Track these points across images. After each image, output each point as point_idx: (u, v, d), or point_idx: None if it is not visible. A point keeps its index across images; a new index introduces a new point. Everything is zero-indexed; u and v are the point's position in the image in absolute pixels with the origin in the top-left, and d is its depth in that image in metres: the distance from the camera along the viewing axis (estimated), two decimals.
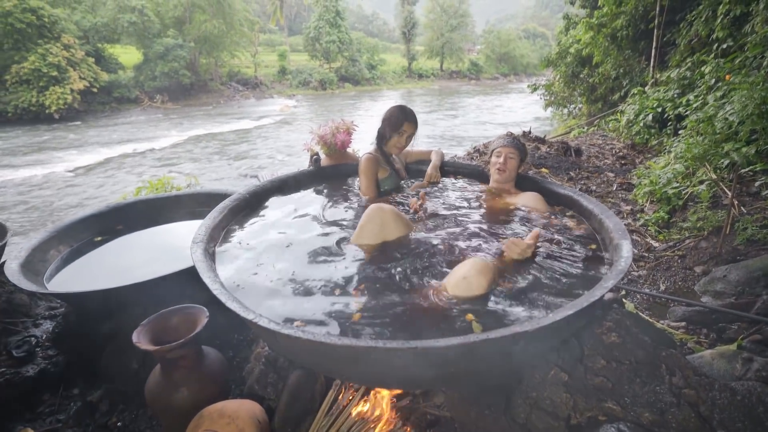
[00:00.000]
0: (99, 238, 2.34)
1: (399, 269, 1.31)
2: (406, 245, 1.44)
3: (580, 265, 1.36)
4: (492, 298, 1.19)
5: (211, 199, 2.43)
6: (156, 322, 1.37)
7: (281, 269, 1.30)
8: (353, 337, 0.80)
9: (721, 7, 6.11)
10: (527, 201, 1.84)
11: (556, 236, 1.53)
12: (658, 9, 8.80)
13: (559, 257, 1.40)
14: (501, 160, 1.91)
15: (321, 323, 1.04)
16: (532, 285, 1.26)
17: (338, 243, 1.48)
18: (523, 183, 2.00)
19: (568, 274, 1.30)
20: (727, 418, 1.10)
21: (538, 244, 1.46)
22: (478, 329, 1.00)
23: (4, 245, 2.20)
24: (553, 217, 1.72)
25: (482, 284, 1.18)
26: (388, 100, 31.02)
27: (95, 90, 22.75)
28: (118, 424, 1.61)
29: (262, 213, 1.74)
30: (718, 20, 6.18)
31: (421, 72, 43.81)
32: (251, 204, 1.78)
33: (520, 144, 1.95)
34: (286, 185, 1.99)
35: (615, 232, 1.30)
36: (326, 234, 1.55)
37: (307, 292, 1.18)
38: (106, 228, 2.41)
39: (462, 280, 1.20)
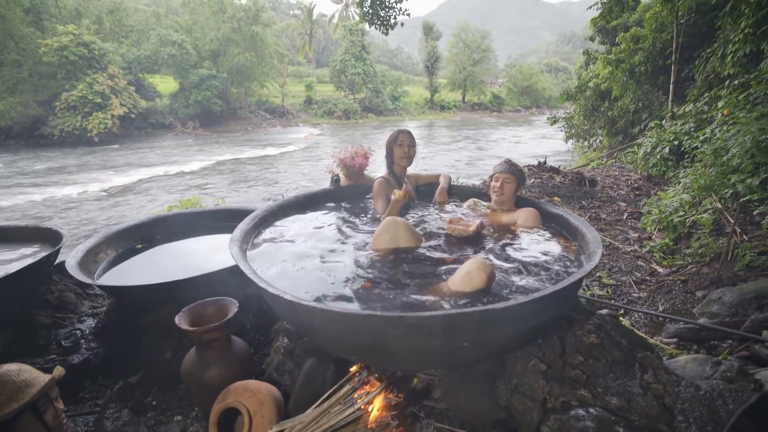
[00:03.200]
0: (140, 246, 2.64)
1: (408, 270, 1.51)
2: (416, 254, 1.64)
3: (565, 270, 1.54)
4: (491, 293, 1.39)
5: (237, 216, 2.71)
6: (194, 310, 1.61)
7: (303, 266, 1.53)
8: (358, 308, 1.01)
9: (731, 46, 6.29)
10: (522, 216, 2.03)
11: (544, 248, 1.72)
12: (675, 46, 9.00)
13: (545, 263, 1.58)
14: (498, 184, 2.11)
15: (337, 304, 1.27)
16: (522, 285, 1.44)
17: (355, 246, 1.70)
18: (521, 203, 2.20)
19: (554, 275, 1.49)
20: (687, 408, 1.23)
21: (532, 253, 1.66)
22: None
23: (59, 249, 2.52)
24: (543, 231, 1.91)
25: (482, 278, 1.38)
26: (414, 129, 31.71)
27: (133, 116, 24.37)
28: (153, 402, 1.84)
29: (288, 223, 2.00)
30: (729, 57, 6.34)
31: (443, 104, 44.88)
32: (278, 215, 2.05)
33: (516, 170, 2.13)
34: (310, 201, 2.27)
35: (592, 243, 1.48)
36: (344, 241, 1.78)
37: (325, 282, 1.40)
38: (146, 237, 2.72)
39: (465, 275, 1.40)
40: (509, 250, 1.70)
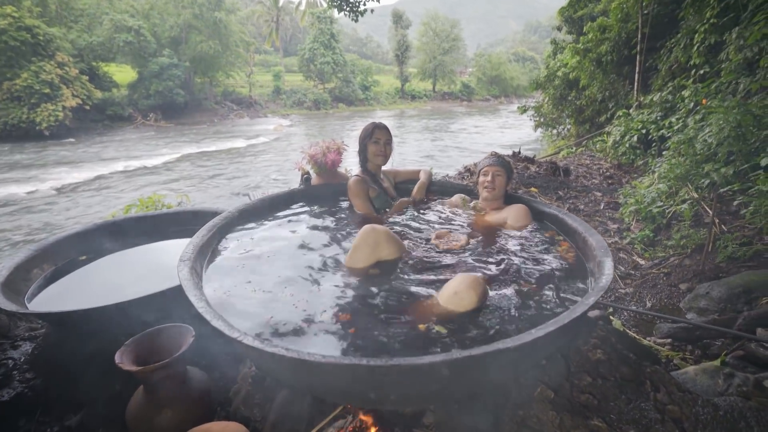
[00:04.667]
0: (84, 257, 2.31)
1: (391, 290, 1.31)
2: (399, 266, 1.44)
3: (565, 281, 1.38)
4: (483, 313, 1.21)
5: (199, 218, 2.42)
6: (140, 342, 1.35)
7: (270, 289, 1.29)
8: (340, 355, 0.80)
9: (696, 35, 6.40)
10: (511, 215, 1.88)
11: (541, 254, 1.56)
12: (639, 36, 9.18)
13: (543, 273, 1.42)
14: (489, 178, 1.97)
15: (309, 342, 1.04)
16: (520, 301, 1.27)
17: (329, 263, 1.48)
18: (511, 201, 2.04)
19: (554, 288, 1.33)
20: None
21: (525, 261, 1.49)
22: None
23: None
24: (536, 231, 1.76)
25: (473, 299, 1.20)
26: (381, 120, 31.41)
27: (88, 107, 22.78)
28: None
29: (251, 232, 1.73)
30: (695, 47, 6.46)
31: (414, 93, 44.70)
32: (241, 223, 1.79)
33: (505, 162, 2.01)
34: (276, 204, 2.00)
35: (598, 249, 1.33)
36: (317, 253, 1.55)
37: (296, 312, 1.17)
38: (92, 247, 2.38)
39: (453, 295, 1.22)
40: (502, 258, 1.53)
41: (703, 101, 4.12)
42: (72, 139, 20.86)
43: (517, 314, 1.21)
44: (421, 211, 2.05)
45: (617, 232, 3.75)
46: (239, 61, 31.84)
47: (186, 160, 16.87)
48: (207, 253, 1.46)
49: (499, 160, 2.01)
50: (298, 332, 1.08)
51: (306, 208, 2.05)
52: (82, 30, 25.41)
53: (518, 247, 1.62)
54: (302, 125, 28.94)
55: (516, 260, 1.52)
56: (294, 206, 2.07)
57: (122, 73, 27.91)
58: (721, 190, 2.92)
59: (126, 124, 25.74)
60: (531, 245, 1.63)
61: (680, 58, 7.86)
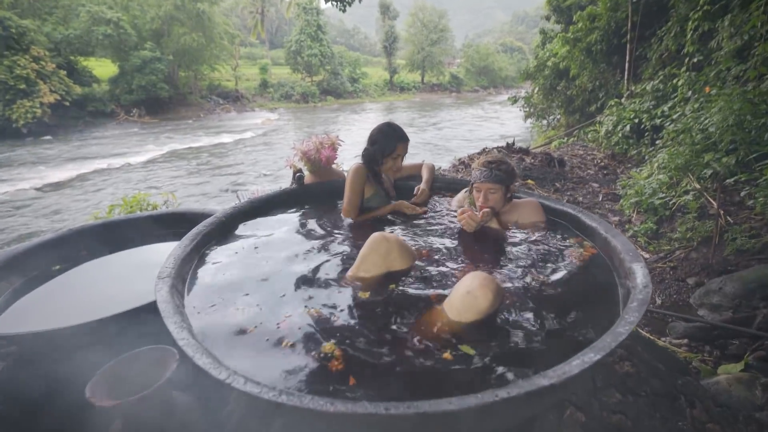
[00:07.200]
0: (58, 267, 2.12)
1: (403, 304, 1.15)
2: (408, 276, 1.30)
3: (587, 286, 1.26)
4: (501, 323, 1.08)
5: (186, 220, 2.24)
6: (114, 370, 1.20)
7: (262, 310, 1.13)
8: (348, 401, 0.67)
9: (690, 23, 6.34)
10: (522, 213, 1.75)
11: (557, 255, 1.44)
12: (630, 25, 9.14)
13: (562, 277, 1.30)
14: (481, 197, 1.68)
15: (308, 381, 0.89)
16: (539, 311, 1.15)
17: (329, 275, 1.32)
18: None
19: (577, 295, 1.21)
20: None
21: (541, 264, 1.37)
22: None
23: None
24: (550, 230, 1.64)
25: (488, 298, 1.07)
26: (371, 112, 31.18)
27: (67, 103, 22.03)
28: None
29: (240, 240, 1.56)
30: (688, 35, 6.39)
31: (403, 85, 44.35)
32: (229, 229, 1.62)
33: (500, 175, 1.66)
34: (267, 206, 1.83)
35: (625, 253, 1.20)
36: (314, 264, 1.38)
37: (293, 340, 1.01)
38: (67, 255, 2.18)
39: (466, 295, 1.08)
40: (516, 261, 1.41)
41: (707, 89, 4.03)
42: (50, 137, 20.18)
43: (538, 326, 1.08)
44: (426, 213, 1.90)
45: (619, 224, 3.67)
46: (224, 54, 31.10)
47: (172, 157, 16.46)
48: (190, 266, 1.29)
49: (491, 174, 1.66)
50: (294, 363, 0.93)
51: (300, 211, 1.89)
52: (57, 23, 24.48)
53: (532, 248, 1.50)
54: (291, 119, 28.49)
55: (530, 263, 1.39)
56: (286, 208, 1.90)
57: (103, 68, 27.03)
58: (728, 180, 2.84)
59: (108, 120, 24.99)
60: (546, 246, 1.51)
61: (671, 47, 7.82)
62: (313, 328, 1.04)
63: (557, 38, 12.32)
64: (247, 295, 1.17)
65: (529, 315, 1.10)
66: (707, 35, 6.23)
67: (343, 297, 1.17)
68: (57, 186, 12.39)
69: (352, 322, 1.08)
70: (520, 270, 1.33)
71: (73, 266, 2.15)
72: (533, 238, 1.61)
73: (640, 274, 1.07)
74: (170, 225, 2.42)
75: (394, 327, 1.06)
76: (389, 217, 1.88)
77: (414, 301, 1.16)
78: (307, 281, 1.26)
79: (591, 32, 10.22)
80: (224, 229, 1.59)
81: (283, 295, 1.17)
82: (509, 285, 1.25)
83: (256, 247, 1.48)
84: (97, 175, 13.65)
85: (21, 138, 19.54)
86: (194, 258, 1.33)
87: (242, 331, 1.04)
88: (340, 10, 9.49)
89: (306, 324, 1.06)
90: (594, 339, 0.89)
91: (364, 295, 1.16)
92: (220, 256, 1.42)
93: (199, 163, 15.30)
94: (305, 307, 1.11)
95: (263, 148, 18.14)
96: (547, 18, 15.22)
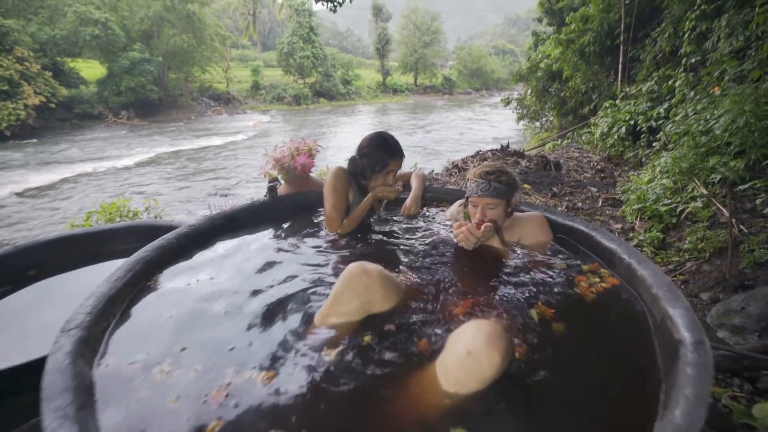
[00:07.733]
0: (1, 289, 1.85)
1: (386, 363, 0.90)
2: (392, 321, 1.02)
3: (614, 328, 1.03)
4: (506, 381, 0.83)
5: (153, 233, 1.99)
6: None
7: (198, 372, 0.86)
8: None
9: (687, 23, 6.21)
10: (525, 231, 1.52)
11: (568, 282, 1.21)
12: (623, 26, 9.05)
13: (577, 314, 1.07)
14: (478, 214, 1.45)
15: None
16: (555, 360, 0.92)
17: (295, 320, 1.05)
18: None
19: (602, 340, 0.98)
20: None
21: (551, 295, 1.14)
22: None
23: None
24: (559, 251, 1.41)
25: (495, 360, 0.82)
26: (364, 114, 30.96)
27: (54, 106, 21.56)
28: None
29: (193, 269, 1.29)
30: (685, 36, 6.26)
31: (396, 87, 44.25)
32: (182, 253, 1.36)
33: (500, 188, 1.43)
34: (230, 224, 1.57)
35: (658, 288, 0.96)
36: (279, 301, 1.12)
37: (222, 425, 0.74)
38: (12, 275, 1.92)
39: (466, 357, 0.82)
40: (520, 291, 1.18)
41: (716, 89, 3.85)
42: (35, 140, 19.67)
43: (553, 395, 0.85)
44: (413, 226, 1.67)
45: (622, 232, 3.46)
46: (215, 55, 30.76)
47: (160, 160, 16.08)
48: (120, 306, 1.02)
49: (490, 188, 1.43)
50: None
51: (270, 228, 1.64)
52: (43, 23, 23.96)
53: (540, 277, 1.26)
54: (283, 121, 28.17)
55: (540, 297, 1.16)
56: (255, 225, 1.65)
57: (90, 69, 26.53)
58: (741, 186, 2.64)
59: (96, 122, 24.51)
60: (556, 275, 1.28)
61: (665, 48, 7.70)
62: (257, 406, 0.77)
63: (550, 40, 12.24)
64: (184, 349, 0.90)
65: (543, 374, 0.87)
66: (702, 36, 6.11)
67: (306, 353, 0.90)
68: (39, 190, 11.98)
69: (313, 396, 0.80)
70: (527, 305, 1.10)
71: (17, 288, 1.89)
72: (539, 259, 1.38)
73: (682, 321, 0.84)
74: (141, 238, 2.16)
75: (368, 404, 0.80)
76: (381, 221, 1.65)
77: (398, 359, 0.90)
78: (265, 327, 0.99)
79: (584, 34, 10.13)
80: (176, 254, 1.33)
81: (232, 349, 0.91)
82: (517, 326, 1.01)
83: (211, 278, 1.22)
84: (82, 179, 13.25)
85: (4, 141, 19.02)
86: (129, 294, 1.07)
87: (156, 407, 0.77)
88: (330, 10, 9.28)
89: (248, 398, 0.79)
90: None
91: (331, 354, 0.89)
92: (164, 290, 1.15)
93: (187, 167, 14.95)
94: (253, 368, 0.85)
95: (254, 151, 17.82)
96: (539, 20, 15.18)
